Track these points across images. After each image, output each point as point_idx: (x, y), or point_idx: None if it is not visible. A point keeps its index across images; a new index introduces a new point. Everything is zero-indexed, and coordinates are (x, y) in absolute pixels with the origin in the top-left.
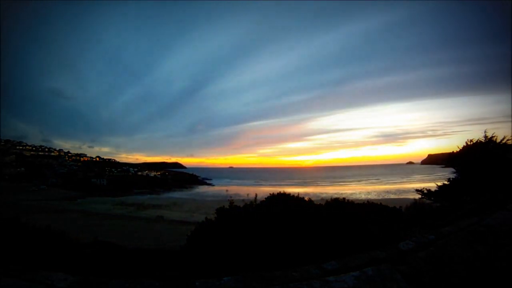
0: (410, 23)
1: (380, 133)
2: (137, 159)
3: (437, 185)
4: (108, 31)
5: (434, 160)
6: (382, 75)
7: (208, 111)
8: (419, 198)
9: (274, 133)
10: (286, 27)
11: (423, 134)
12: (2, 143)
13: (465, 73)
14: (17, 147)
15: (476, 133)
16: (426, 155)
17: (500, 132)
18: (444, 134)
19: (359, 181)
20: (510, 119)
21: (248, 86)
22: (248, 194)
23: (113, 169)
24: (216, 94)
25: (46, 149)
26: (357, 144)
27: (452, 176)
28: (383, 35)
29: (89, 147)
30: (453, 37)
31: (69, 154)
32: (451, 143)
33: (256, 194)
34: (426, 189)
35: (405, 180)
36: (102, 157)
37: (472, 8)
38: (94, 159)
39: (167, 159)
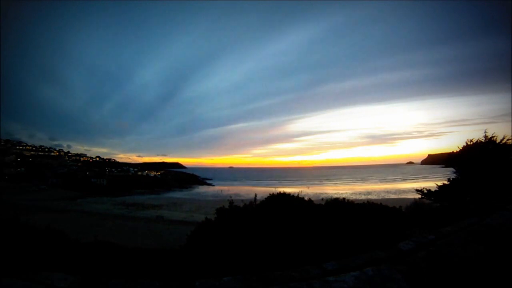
0: (393, 23)
1: (365, 134)
2: (119, 158)
3: (437, 185)
4: (86, 41)
5: (434, 160)
6: (362, 77)
7: (191, 114)
8: (419, 198)
9: (259, 135)
10: (255, 28)
11: (408, 135)
12: (2, 143)
13: (449, 74)
14: (17, 147)
15: (461, 134)
16: (426, 155)
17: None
18: (431, 135)
19: (358, 181)
20: (491, 121)
21: (223, 90)
22: (248, 194)
23: (113, 169)
24: (193, 98)
25: (46, 149)
26: (346, 145)
27: (453, 176)
28: (359, 34)
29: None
30: (437, 37)
31: (69, 154)
32: (438, 144)
33: (256, 194)
34: (426, 189)
35: (405, 180)
36: (102, 157)
37: (450, 6)
38: (94, 159)
39: (150, 159)
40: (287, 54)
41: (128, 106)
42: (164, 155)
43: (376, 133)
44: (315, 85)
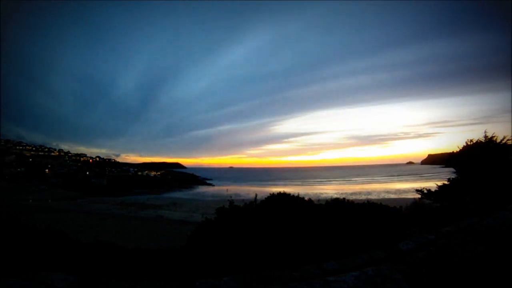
0: (378, 20)
1: (354, 136)
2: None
3: (437, 185)
4: (68, 50)
5: (434, 160)
6: (344, 78)
7: (174, 117)
8: (419, 198)
9: (248, 136)
10: (220, 34)
11: (395, 136)
12: (2, 143)
13: (435, 74)
14: (17, 147)
15: (457, 134)
16: (426, 155)
17: (469, 135)
18: (419, 136)
19: (357, 181)
20: (479, 122)
21: (198, 96)
22: (248, 194)
23: (113, 169)
24: (171, 104)
25: (46, 149)
26: (338, 146)
27: (453, 176)
28: (335, 34)
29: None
30: (429, 34)
31: (69, 154)
32: (434, 144)
33: (256, 194)
34: (426, 189)
35: (405, 180)
36: (102, 157)
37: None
38: (94, 159)
39: (136, 159)
40: (258, 56)
41: (115, 110)
42: (140, 154)
43: (365, 134)
44: (294, 87)
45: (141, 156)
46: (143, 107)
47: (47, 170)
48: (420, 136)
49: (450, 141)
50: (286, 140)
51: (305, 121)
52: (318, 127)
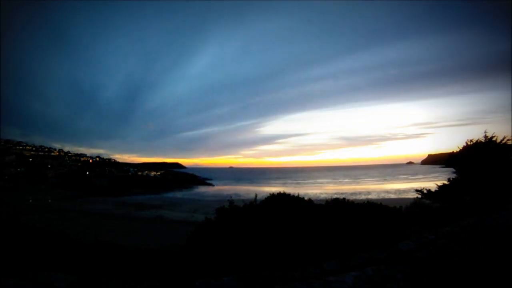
0: (371, 18)
1: (345, 136)
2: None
3: (437, 185)
4: (57, 57)
5: (434, 160)
6: (332, 79)
7: (162, 120)
8: (419, 198)
9: (239, 137)
10: (193, 37)
11: (382, 137)
12: (2, 143)
13: (426, 73)
14: (17, 147)
15: (447, 135)
16: (426, 155)
17: (469, 135)
18: (409, 137)
19: (357, 181)
20: (465, 123)
21: (180, 101)
22: (248, 194)
23: (113, 169)
24: (156, 108)
25: (46, 149)
26: (333, 147)
27: (453, 176)
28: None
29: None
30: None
31: (69, 154)
32: (428, 144)
33: (256, 194)
34: (426, 189)
35: (404, 180)
36: (102, 157)
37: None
38: (94, 159)
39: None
40: (237, 58)
41: (106, 113)
42: (138, 155)
43: (361, 135)
44: (277, 88)
45: (139, 156)
46: (133, 110)
47: (47, 170)
48: (417, 136)
49: (451, 141)
50: (277, 141)
51: (295, 122)
52: (309, 128)
